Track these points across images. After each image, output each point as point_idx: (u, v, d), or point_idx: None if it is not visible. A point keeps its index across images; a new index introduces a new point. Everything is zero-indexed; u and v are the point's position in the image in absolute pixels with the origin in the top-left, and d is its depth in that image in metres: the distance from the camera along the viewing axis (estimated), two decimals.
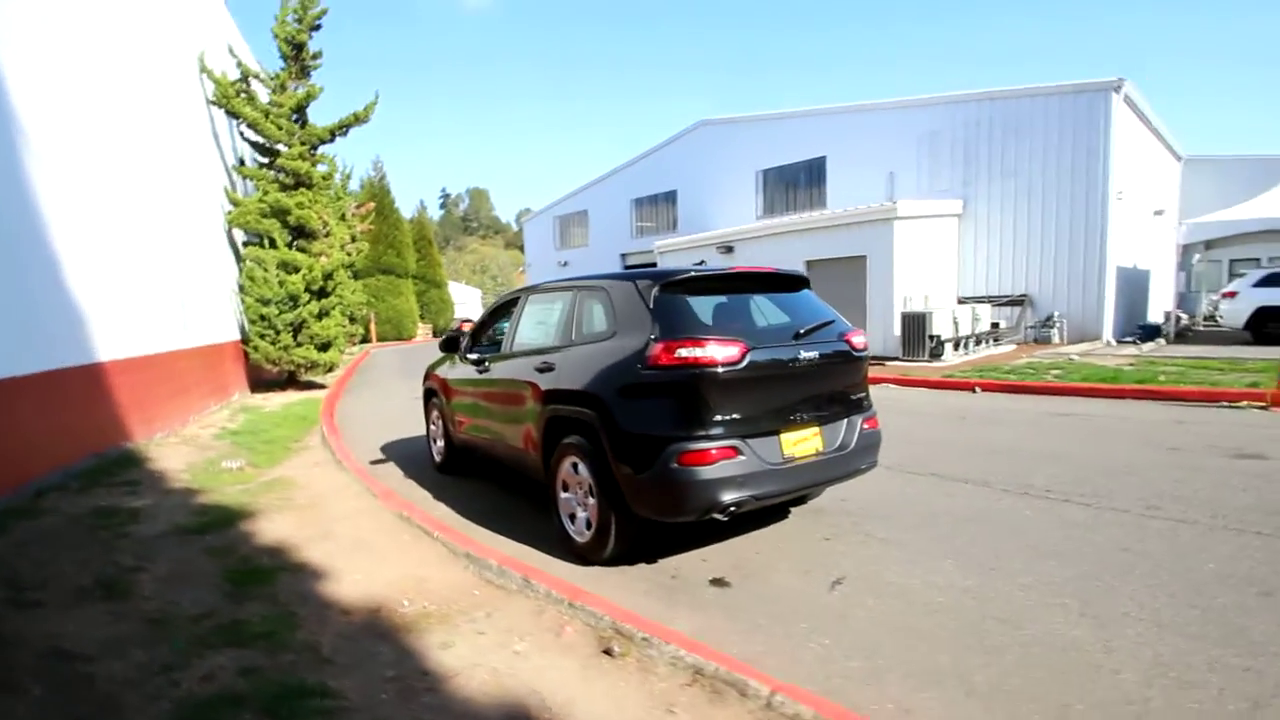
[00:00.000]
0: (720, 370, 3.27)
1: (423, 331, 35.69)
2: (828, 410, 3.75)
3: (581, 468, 3.76)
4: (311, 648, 2.85)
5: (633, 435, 3.38)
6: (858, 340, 3.94)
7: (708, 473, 3.23)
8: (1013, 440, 6.41)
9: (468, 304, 45.34)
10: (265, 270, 10.94)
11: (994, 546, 3.77)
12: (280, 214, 11.21)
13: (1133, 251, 16.62)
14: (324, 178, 11.99)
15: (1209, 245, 16.00)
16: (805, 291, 4.15)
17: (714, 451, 3.25)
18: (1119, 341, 15.13)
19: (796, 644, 2.77)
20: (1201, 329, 17.17)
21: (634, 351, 3.45)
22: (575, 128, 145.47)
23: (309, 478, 5.99)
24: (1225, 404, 7.32)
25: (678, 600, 3.28)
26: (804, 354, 3.59)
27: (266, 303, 10.89)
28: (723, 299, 3.84)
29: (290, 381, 12.11)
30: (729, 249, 18.08)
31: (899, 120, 17.71)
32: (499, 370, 4.84)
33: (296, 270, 11.20)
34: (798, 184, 20.36)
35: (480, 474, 5.97)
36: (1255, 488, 4.53)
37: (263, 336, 11.03)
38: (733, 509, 3.32)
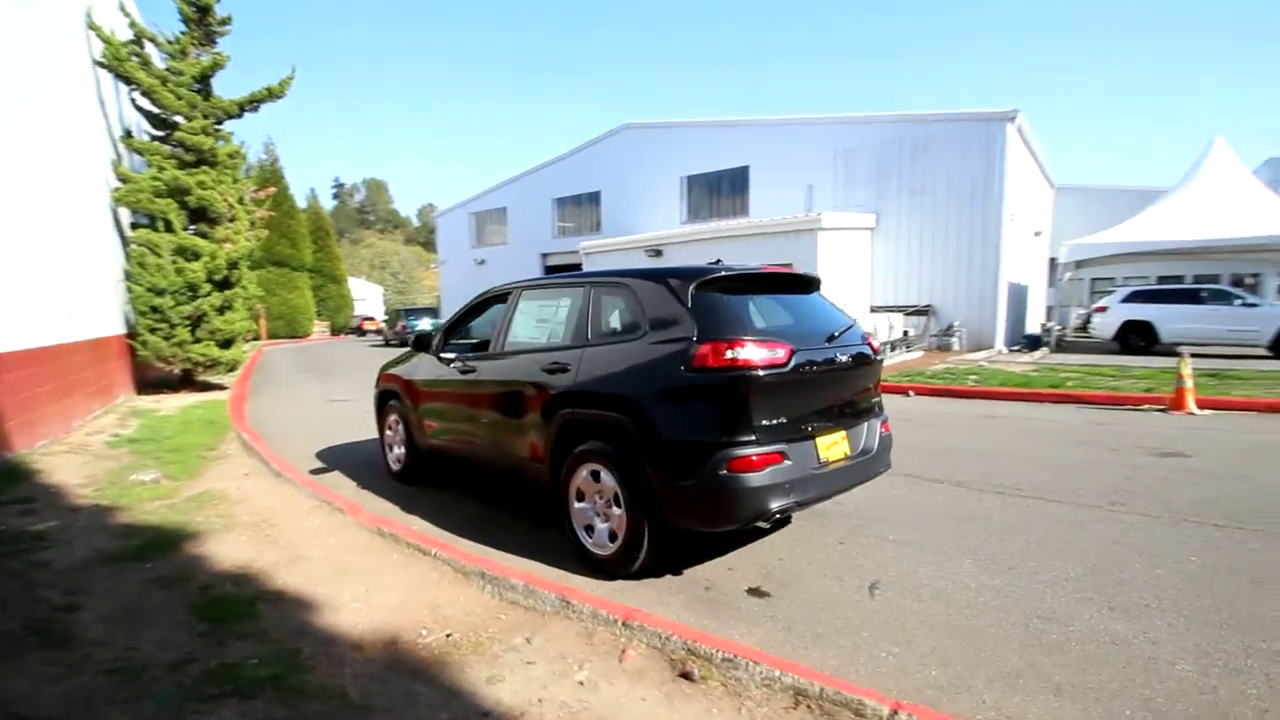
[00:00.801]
0: (768, 373, 3.16)
1: (319, 329, 33.30)
2: (853, 413, 3.74)
3: (605, 475, 3.52)
4: (336, 693, 2.44)
5: (675, 441, 3.19)
6: (876, 343, 3.97)
7: (756, 479, 3.10)
8: (962, 441, 6.78)
9: (369, 301, 42.66)
10: (159, 256, 9.68)
11: (999, 545, 3.91)
12: (179, 194, 9.97)
13: (1017, 268, 18.32)
14: (229, 155, 10.80)
15: (1079, 265, 17.95)
16: (817, 294, 4.14)
17: (762, 457, 3.13)
18: (1010, 350, 16.61)
19: (868, 655, 2.70)
20: (1072, 339, 19.17)
21: (673, 352, 3.27)
22: (479, 124, 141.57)
23: (245, 491, 5.29)
24: (1129, 407, 8.15)
25: (722, 614, 3.13)
26: (839, 356, 3.55)
27: (160, 293, 9.64)
28: (749, 298, 3.73)
29: (185, 382, 10.79)
30: (658, 253, 18.15)
31: (818, 135, 18.53)
32: (489, 371, 4.47)
33: (197, 257, 10.00)
34: (721, 191, 20.80)
35: (446, 482, 5.52)
36: (1193, 483, 5.02)
37: (154, 330, 9.75)
38: (777, 516, 3.21)
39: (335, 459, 6.62)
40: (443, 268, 30.50)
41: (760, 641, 2.82)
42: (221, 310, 10.52)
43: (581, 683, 2.51)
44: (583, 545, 3.70)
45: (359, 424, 8.40)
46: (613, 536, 3.55)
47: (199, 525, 4.37)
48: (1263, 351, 13.31)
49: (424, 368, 5.28)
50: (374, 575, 3.57)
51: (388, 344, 26.39)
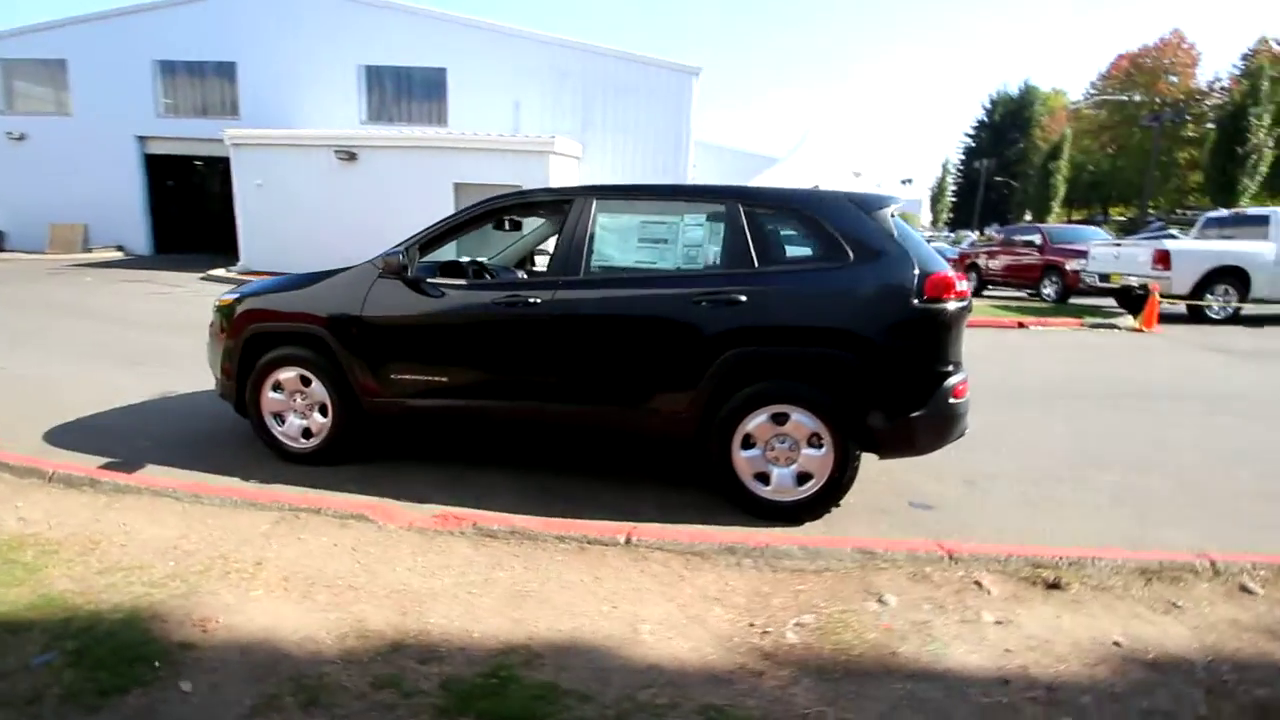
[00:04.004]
0: (968, 300, 3.35)
1: None
2: None
3: (798, 417, 3.23)
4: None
5: (914, 373, 3.17)
6: None
7: (963, 405, 3.32)
8: None
9: None
10: None
11: (978, 438, 4.88)
12: None
13: None
14: None
15: None
16: None
17: (964, 382, 3.35)
18: None
19: (1087, 533, 3.25)
20: None
21: (900, 283, 3.16)
22: None
23: (80, 526, 2.98)
24: None
25: (928, 530, 3.31)
26: None
27: None
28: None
29: None
30: (351, 155, 15.14)
31: (526, 50, 17.73)
32: (567, 304, 3.43)
33: None
34: (412, 92, 18.27)
35: (397, 453, 4.10)
36: (1004, 374, 7.01)
37: None
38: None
39: (103, 444, 4.14)
40: None
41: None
42: None
43: (1000, 621, 2.46)
44: (756, 495, 3.35)
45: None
46: (800, 480, 3.32)
47: (133, 597, 2.36)
48: None
49: (385, 299, 3.69)
50: (579, 587, 2.59)
51: None
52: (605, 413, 3.48)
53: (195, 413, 4.90)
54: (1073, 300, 14.10)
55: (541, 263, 6.21)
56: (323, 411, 3.88)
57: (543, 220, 5.03)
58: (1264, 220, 11.25)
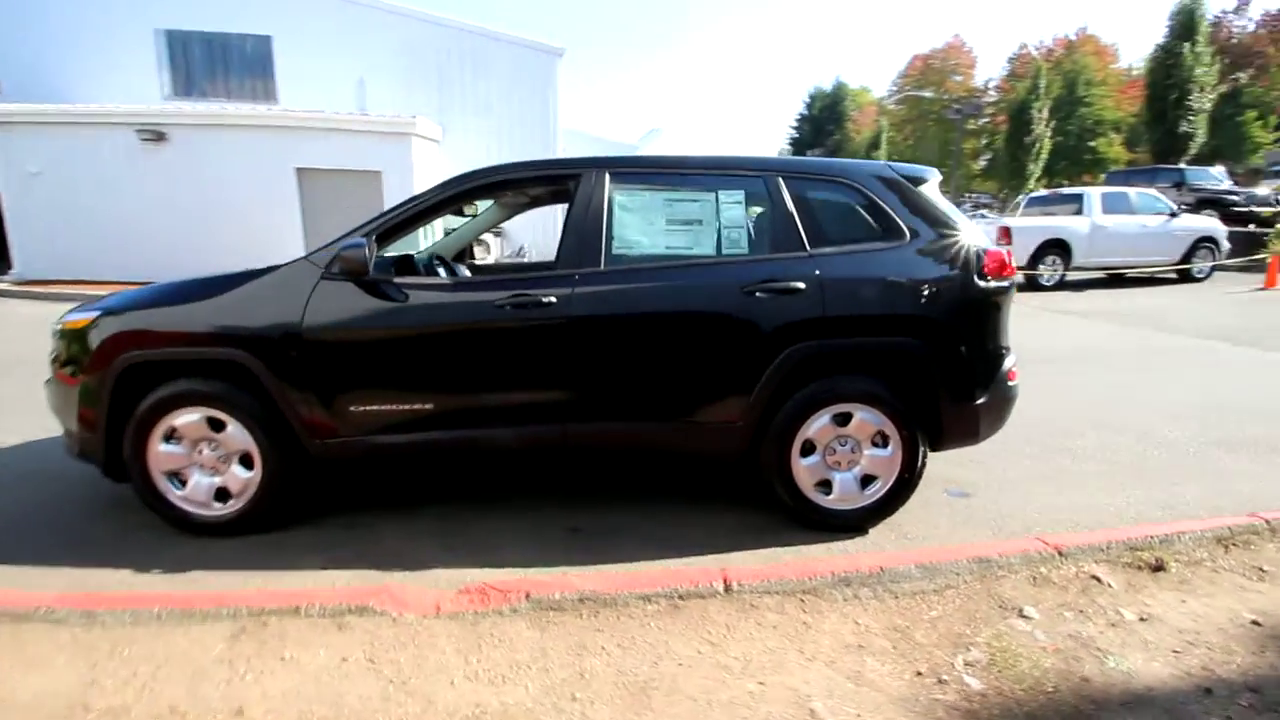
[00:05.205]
0: (1014, 278, 3.22)
1: None
2: None
3: (862, 415, 2.90)
4: None
5: (979, 357, 2.96)
6: None
7: (1016, 388, 3.17)
8: None
9: None
10: None
11: None
12: None
13: None
14: None
15: None
16: None
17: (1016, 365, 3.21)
18: None
19: (1121, 501, 3.27)
20: None
21: (961, 262, 2.93)
22: None
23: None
24: None
25: (984, 520, 3.15)
26: None
27: None
28: None
29: None
30: (159, 136, 12.63)
31: (371, 20, 15.81)
32: (588, 302, 2.79)
33: None
34: (230, 65, 15.61)
35: (347, 501, 3.21)
36: None
37: None
38: None
39: None
40: None
41: (1051, 524, 3.05)
42: None
43: (1143, 618, 2.30)
44: (819, 506, 2.99)
45: None
46: (865, 483, 3.00)
47: None
48: None
49: (336, 308, 2.81)
50: (702, 662, 2.04)
51: None
52: (643, 431, 2.91)
53: (28, 476, 3.55)
54: None
55: (480, 254, 5.43)
56: (245, 463, 2.89)
57: (492, 204, 4.29)
58: (1077, 198, 13.01)
